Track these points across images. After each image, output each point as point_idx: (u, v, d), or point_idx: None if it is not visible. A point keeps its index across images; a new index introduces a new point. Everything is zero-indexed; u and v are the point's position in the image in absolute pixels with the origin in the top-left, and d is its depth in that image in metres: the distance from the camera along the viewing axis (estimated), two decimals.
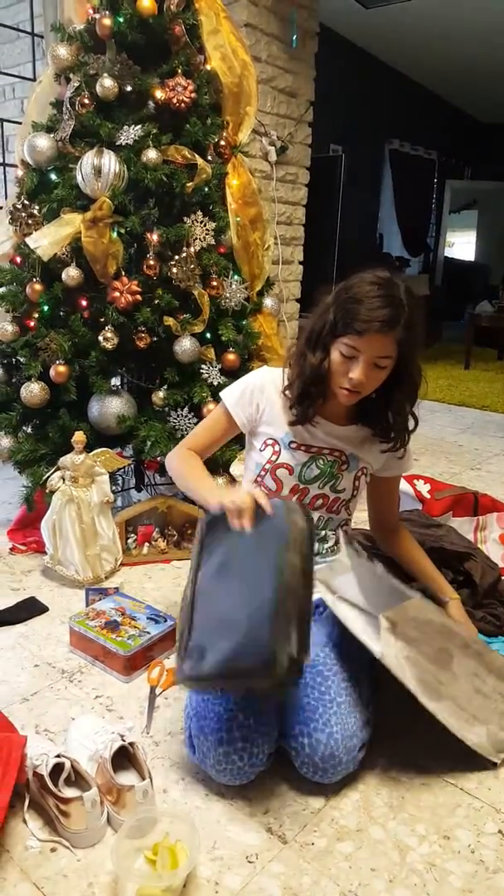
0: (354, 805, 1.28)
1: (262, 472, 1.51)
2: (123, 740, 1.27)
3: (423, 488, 2.23)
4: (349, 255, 6.36)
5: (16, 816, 1.21)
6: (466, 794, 1.32)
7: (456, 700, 1.37)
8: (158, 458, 2.28)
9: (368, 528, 1.74)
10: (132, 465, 2.63)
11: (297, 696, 1.30)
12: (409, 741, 1.44)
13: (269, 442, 1.50)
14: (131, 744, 1.28)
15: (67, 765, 1.22)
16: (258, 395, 1.49)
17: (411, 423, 1.49)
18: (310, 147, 3.60)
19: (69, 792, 1.20)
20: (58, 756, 1.22)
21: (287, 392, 1.46)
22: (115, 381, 2.43)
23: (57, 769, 1.21)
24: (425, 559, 1.66)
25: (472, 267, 10.34)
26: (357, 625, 1.33)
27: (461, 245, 11.27)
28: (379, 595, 1.42)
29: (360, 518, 1.79)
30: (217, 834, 1.21)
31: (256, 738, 1.26)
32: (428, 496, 2.20)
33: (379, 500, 1.65)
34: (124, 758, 1.29)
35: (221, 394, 1.55)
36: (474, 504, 2.20)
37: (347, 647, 1.41)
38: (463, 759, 1.40)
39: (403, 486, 2.26)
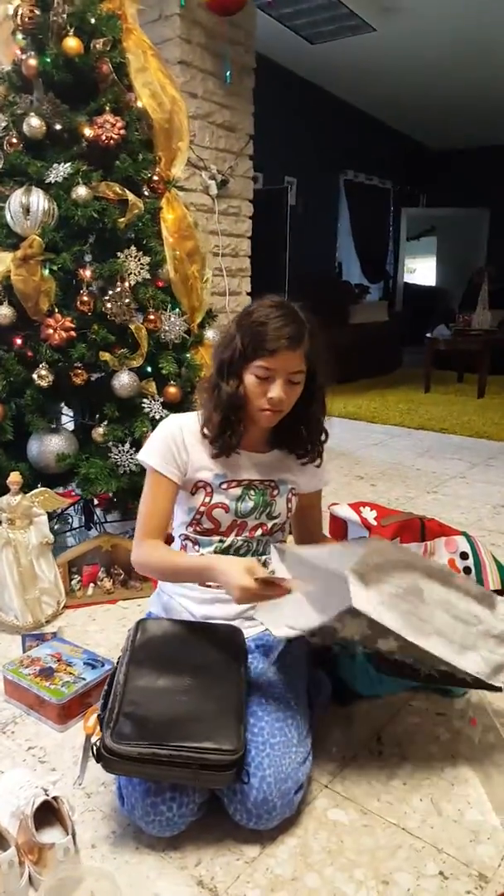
0: (291, 852, 1.23)
1: (198, 516, 1.48)
2: (47, 795, 1.21)
3: (370, 515, 2.20)
4: (307, 284, 6.43)
5: None
6: (408, 835, 1.28)
7: (441, 633, 1.33)
8: (108, 494, 2.23)
9: None
10: (81, 504, 2.58)
11: None
12: (350, 779, 1.40)
13: (200, 485, 1.47)
14: (55, 798, 1.22)
15: None
16: (179, 444, 1.45)
17: (324, 436, 1.50)
18: (252, 180, 3.65)
19: None
20: None
21: (206, 429, 1.44)
22: (64, 419, 2.40)
23: None
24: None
25: (433, 292, 10.51)
26: (311, 612, 1.27)
27: (423, 271, 11.48)
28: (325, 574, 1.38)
29: None
30: (145, 890, 1.15)
31: (186, 786, 1.22)
32: (374, 523, 2.17)
33: (304, 516, 1.64)
34: (51, 813, 1.23)
35: (141, 459, 1.48)
36: (421, 529, 2.18)
37: (283, 680, 1.38)
38: (405, 796, 1.37)
39: (349, 513, 2.24)
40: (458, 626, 1.36)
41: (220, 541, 1.49)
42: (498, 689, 1.37)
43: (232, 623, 1.45)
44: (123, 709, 1.24)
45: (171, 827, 1.22)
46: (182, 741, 1.17)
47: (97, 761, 1.20)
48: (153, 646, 1.38)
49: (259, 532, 1.50)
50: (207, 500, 1.47)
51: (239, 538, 1.49)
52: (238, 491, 1.47)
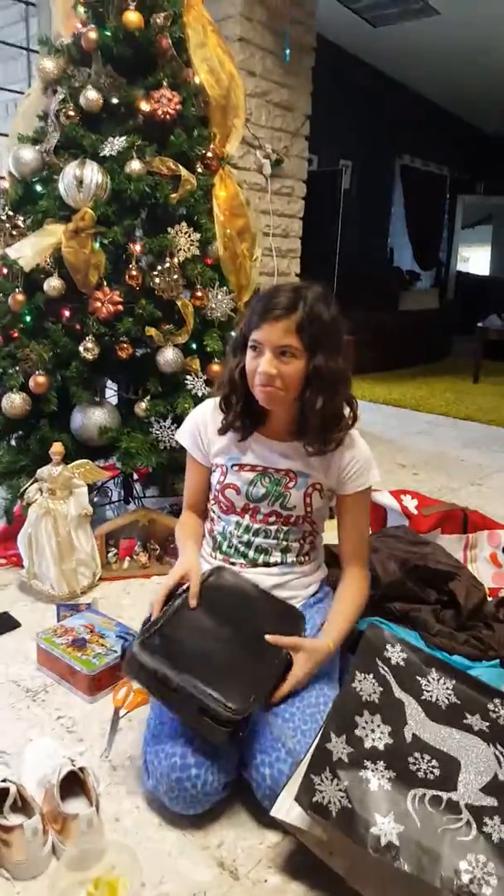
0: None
1: (216, 493, 1.55)
2: (73, 765, 1.22)
3: (411, 504, 2.16)
4: (357, 268, 6.34)
5: None
6: None
7: None
8: (147, 468, 2.22)
9: None
10: (121, 478, 2.60)
11: (260, 722, 1.25)
12: None
13: (219, 464, 1.53)
14: (81, 769, 1.23)
15: (13, 790, 1.17)
16: (202, 430, 1.55)
17: (351, 419, 1.42)
18: (307, 160, 3.58)
19: (13, 819, 1.15)
20: (3, 781, 1.18)
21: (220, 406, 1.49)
22: (108, 392, 2.40)
23: (1, 795, 1.16)
24: (342, 604, 1.46)
25: (487, 282, 10.27)
26: None
27: (477, 260, 11.23)
28: None
29: None
30: (166, 867, 1.15)
31: (213, 765, 1.21)
32: (415, 512, 2.14)
33: (340, 522, 1.54)
34: (76, 784, 1.24)
35: (177, 437, 1.63)
36: (463, 521, 2.14)
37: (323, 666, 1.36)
38: None
39: (390, 501, 2.20)
40: None
41: (237, 522, 1.51)
42: None
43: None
44: (163, 628, 1.29)
45: (194, 804, 1.21)
46: (193, 677, 1.20)
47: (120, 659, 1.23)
48: (219, 591, 1.41)
49: (273, 519, 1.48)
50: (222, 479, 1.51)
51: (254, 522, 1.49)
52: (251, 475, 1.48)
